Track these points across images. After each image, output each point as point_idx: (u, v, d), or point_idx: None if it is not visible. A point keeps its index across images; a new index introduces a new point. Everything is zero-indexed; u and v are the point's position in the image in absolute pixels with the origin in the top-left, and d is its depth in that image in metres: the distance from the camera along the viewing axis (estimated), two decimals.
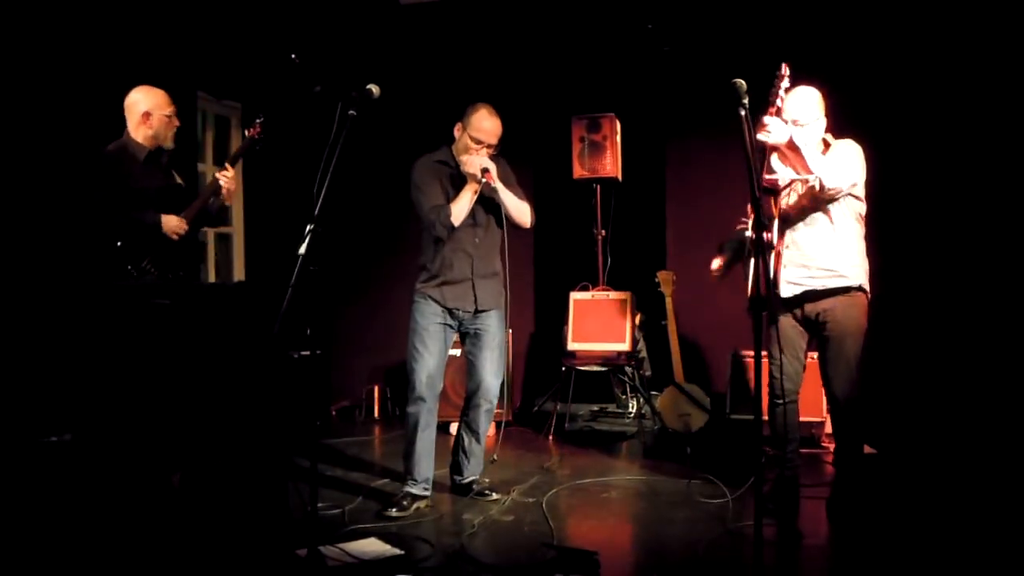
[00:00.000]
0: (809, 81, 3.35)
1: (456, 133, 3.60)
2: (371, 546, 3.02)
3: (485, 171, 3.44)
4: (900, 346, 5.06)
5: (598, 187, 5.47)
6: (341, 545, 2.97)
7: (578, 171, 5.40)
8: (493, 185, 3.46)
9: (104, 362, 3.56)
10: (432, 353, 3.53)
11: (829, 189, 3.19)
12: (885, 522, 3.35)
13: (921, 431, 4.71)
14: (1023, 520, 3.33)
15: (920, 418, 4.80)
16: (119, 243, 3.48)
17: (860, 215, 3.38)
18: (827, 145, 3.36)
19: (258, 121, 3.85)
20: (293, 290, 2.60)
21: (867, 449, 4.53)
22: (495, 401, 3.71)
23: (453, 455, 3.80)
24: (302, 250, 2.64)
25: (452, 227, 3.48)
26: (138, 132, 3.64)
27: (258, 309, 4.36)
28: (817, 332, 3.40)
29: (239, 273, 5.81)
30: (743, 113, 2.49)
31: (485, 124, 3.52)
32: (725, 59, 5.21)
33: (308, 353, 4.58)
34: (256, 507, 3.60)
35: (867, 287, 3.37)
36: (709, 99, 3.67)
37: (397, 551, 2.98)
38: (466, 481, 3.75)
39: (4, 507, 3.32)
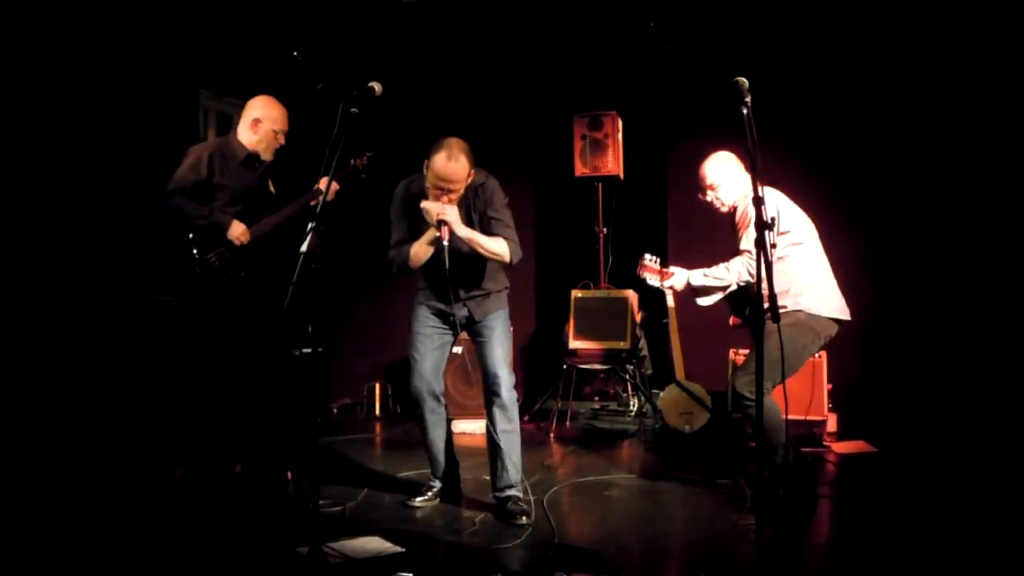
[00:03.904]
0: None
1: (424, 170, 3.34)
2: (372, 543, 3.03)
3: (441, 224, 3.23)
4: (900, 344, 5.06)
5: (599, 185, 5.47)
6: (342, 542, 2.98)
7: (580, 169, 5.40)
8: (445, 243, 3.23)
9: (106, 358, 3.57)
10: (424, 356, 3.47)
11: (743, 281, 3.53)
12: (886, 520, 3.35)
13: (922, 429, 4.71)
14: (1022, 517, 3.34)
15: (920, 416, 4.79)
16: (191, 235, 3.60)
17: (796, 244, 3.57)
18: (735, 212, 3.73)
19: (367, 154, 4.04)
20: (294, 288, 2.60)
21: (867, 447, 4.55)
22: (507, 393, 3.41)
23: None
24: (304, 248, 2.64)
25: (410, 271, 3.43)
26: (244, 135, 3.83)
27: (259, 306, 4.36)
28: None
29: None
30: (745, 112, 2.49)
31: (444, 171, 3.23)
32: (727, 57, 5.20)
33: (309, 350, 4.59)
34: (257, 504, 3.61)
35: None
36: (711, 97, 3.67)
37: (398, 548, 2.98)
38: (498, 495, 3.45)
39: (7, 504, 3.33)
